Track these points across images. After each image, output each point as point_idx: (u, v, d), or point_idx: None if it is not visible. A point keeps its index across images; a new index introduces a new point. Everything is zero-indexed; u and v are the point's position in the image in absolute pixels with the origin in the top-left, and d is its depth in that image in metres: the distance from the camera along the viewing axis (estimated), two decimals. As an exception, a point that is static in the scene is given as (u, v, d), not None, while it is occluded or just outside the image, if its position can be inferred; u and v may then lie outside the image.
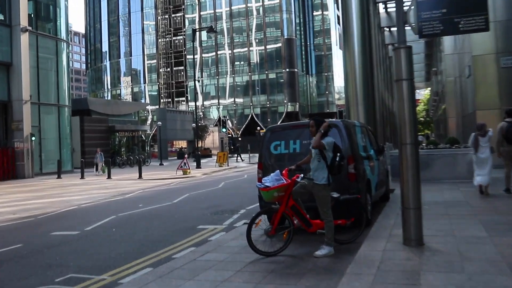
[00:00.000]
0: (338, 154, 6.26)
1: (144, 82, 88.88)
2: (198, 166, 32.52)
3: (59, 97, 30.93)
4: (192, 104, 78.56)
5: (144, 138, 50.53)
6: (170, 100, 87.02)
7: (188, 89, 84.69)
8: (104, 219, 11.15)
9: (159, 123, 43.35)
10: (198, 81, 79.21)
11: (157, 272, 6.06)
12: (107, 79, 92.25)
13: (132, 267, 6.61)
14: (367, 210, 7.89)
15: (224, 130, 41.85)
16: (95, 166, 29.89)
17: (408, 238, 6.15)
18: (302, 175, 6.56)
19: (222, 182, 20.95)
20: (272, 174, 6.58)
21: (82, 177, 26.03)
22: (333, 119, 8.58)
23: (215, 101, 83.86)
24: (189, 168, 26.66)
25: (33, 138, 26.97)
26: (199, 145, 58.02)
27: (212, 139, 64.51)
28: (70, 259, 7.32)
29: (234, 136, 76.53)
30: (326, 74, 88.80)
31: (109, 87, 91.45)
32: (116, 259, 7.18)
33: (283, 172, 6.66)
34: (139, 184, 21.81)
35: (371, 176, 8.64)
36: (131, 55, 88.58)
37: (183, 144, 71.91)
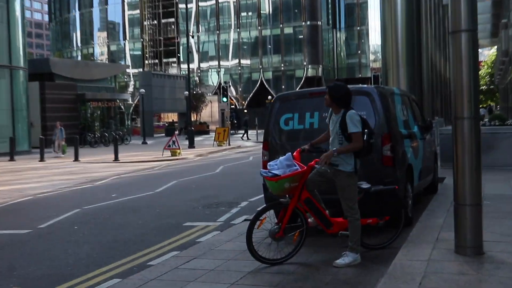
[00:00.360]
0: (366, 130, 5.99)
1: (124, 39, 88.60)
2: (191, 145, 32.52)
3: (12, 57, 30.69)
4: (184, 66, 78.21)
5: (124, 109, 50.47)
6: (157, 61, 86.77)
7: (181, 47, 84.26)
8: (64, 213, 11.01)
9: (142, 90, 43.18)
10: (193, 37, 78.76)
11: (127, 284, 5.89)
12: (77, 34, 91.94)
13: (95, 278, 6.41)
14: (407, 206, 7.62)
15: (224, 99, 41.24)
16: (53, 145, 29.49)
17: (463, 244, 5.86)
18: None
19: (221, 166, 20.90)
20: (281, 158, 6.33)
21: (42, 159, 25.97)
22: (364, 85, 8.24)
23: (215, 62, 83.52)
24: (179, 148, 26.61)
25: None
26: (194, 118, 58.02)
27: (210, 111, 64.43)
28: (15, 267, 7.12)
29: (238, 107, 76.37)
30: (358, 28, 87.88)
31: (79, 44, 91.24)
32: (76, 266, 7.00)
33: (294, 154, 6.39)
34: (115, 168, 21.73)
35: (414, 161, 8.35)
36: (106, 4, 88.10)
37: (173, 117, 71.92)
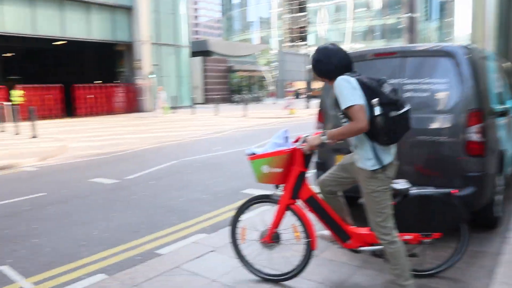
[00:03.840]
0: (377, 99, 2.55)
1: (270, 28, 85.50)
2: (308, 107, 29.40)
3: (177, 38, 29.01)
4: (311, 48, 73.57)
5: (266, 79, 47.95)
6: (292, 44, 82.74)
7: (309, 34, 79.49)
8: (160, 164, 8.61)
9: (276, 63, 40.12)
10: (312, 21, 73.50)
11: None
12: (238, 25, 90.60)
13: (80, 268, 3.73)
14: (492, 210, 3.96)
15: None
16: (155, 106, 24.32)
17: None
18: (324, 136, 2.79)
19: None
20: (276, 134, 3.07)
21: (193, 113, 24.30)
22: (447, 43, 4.38)
23: (335, 46, 77.70)
24: (294, 108, 23.67)
25: (152, 76, 25.67)
26: (314, 86, 54.07)
27: (328, 82, 59.98)
28: (34, 233, 4.67)
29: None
30: (447, 20, 76.70)
31: (238, 32, 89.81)
32: (86, 245, 4.37)
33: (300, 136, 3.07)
34: (239, 123, 19.29)
35: (506, 143, 4.49)
36: (258, 3, 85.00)
37: (302, 85, 68.51)
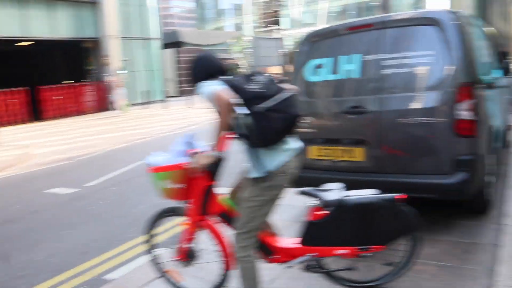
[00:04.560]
0: (235, 99, 2.22)
1: (243, 14, 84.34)
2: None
3: (147, 31, 27.94)
4: (285, 32, 72.67)
5: (240, 66, 47.26)
6: (266, 29, 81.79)
7: (281, 18, 78.67)
8: (125, 166, 7.99)
9: (249, 50, 39.37)
10: (285, 4, 72.68)
11: None
12: (211, 13, 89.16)
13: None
14: (482, 193, 3.52)
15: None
16: (111, 104, 22.17)
17: None
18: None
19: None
20: (179, 139, 2.60)
21: (165, 107, 23.52)
22: (430, 10, 3.63)
23: (311, 28, 77.08)
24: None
25: (121, 72, 24.66)
26: (290, 71, 53.57)
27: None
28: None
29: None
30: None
31: (212, 21, 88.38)
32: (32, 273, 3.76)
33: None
34: (213, 113, 18.61)
35: (496, 120, 3.96)
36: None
37: (277, 70, 67.92)
